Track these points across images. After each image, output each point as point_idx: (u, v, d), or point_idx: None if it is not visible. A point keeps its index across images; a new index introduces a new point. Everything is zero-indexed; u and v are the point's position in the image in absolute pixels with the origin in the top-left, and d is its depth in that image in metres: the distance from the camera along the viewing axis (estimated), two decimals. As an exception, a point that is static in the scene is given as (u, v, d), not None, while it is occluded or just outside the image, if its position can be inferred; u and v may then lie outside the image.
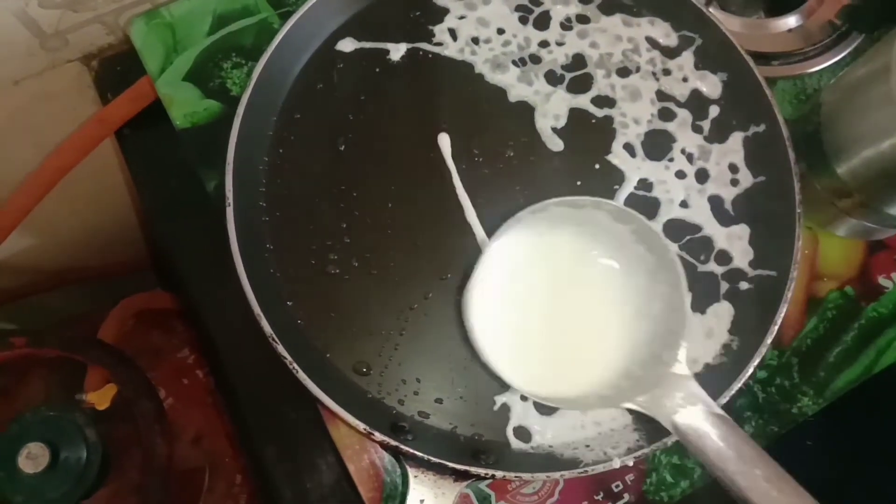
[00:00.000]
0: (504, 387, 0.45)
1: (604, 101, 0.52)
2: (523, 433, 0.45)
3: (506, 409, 0.45)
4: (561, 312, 0.46)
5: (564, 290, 0.47)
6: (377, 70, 0.52)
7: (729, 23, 0.56)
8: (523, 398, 0.45)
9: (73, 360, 0.65)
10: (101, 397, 0.64)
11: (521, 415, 0.45)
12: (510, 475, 0.42)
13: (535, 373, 0.45)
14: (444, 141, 0.50)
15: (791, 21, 0.59)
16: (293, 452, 0.51)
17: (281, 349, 0.43)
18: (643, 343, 0.45)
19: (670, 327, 0.44)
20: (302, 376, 0.43)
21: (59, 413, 0.60)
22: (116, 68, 0.59)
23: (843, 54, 0.58)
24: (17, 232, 0.63)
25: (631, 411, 0.45)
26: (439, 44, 0.52)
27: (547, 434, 0.45)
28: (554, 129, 0.51)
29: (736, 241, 0.49)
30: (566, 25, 0.54)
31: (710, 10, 0.53)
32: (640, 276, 0.45)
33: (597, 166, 0.51)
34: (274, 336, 0.43)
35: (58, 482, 0.58)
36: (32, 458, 0.57)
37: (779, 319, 0.46)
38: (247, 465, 0.70)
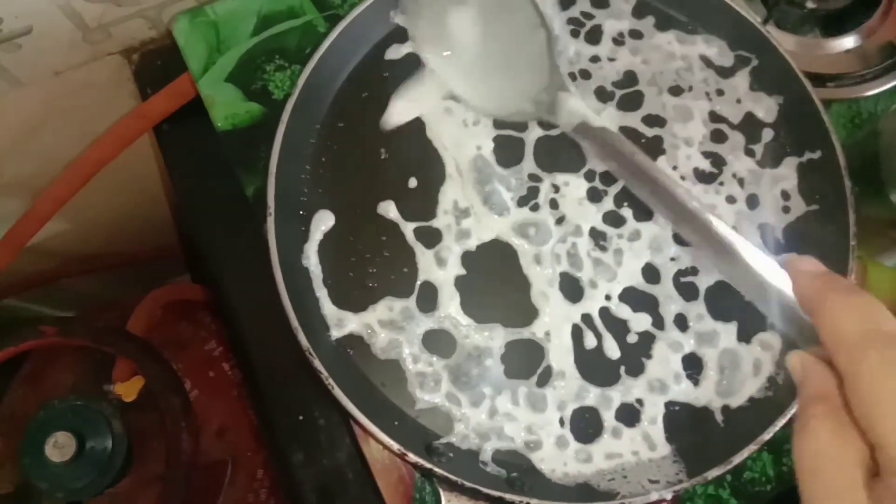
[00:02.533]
0: (542, 410, 0.45)
1: (654, 120, 0.51)
2: (558, 460, 0.44)
3: (542, 433, 0.44)
4: (488, 43, 0.51)
5: (488, 27, 0.51)
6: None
7: (784, 41, 0.55)
8: (561, 423, 0.45)
9: (101, 349, 0.65)
10: (128, 389, 0.64)
11: (557, 441, 0.44)
12: (545, 504, 0.42)
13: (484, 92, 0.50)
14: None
15: (848, 42, 0.57)
16: (320, 459, 0.50)
17: (317, 363, 0.42)
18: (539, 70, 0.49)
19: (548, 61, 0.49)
20: (338, 392, 0.42)
21: (86, 403, 0.60)
22: (157, 62, 0.59)
23: (902, 78, 0.56)
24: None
25: (672, 442, 0.45)
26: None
27: (583, 462, 0.44)
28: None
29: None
30: (618, 41, 0.52)
31: (767, 28, 0.51)
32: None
33: (644, 187, 0.49)
34: (310, 350, 0.43)
35: (83, 472, 0.58)
36: (59, 448, 0.58)
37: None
38: (272, 467, 0.70)
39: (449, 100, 0.50)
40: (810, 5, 0.56)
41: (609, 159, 0.47)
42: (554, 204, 0.48)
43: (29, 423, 0.59)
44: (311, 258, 0.46)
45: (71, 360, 0.70)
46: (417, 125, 0.50)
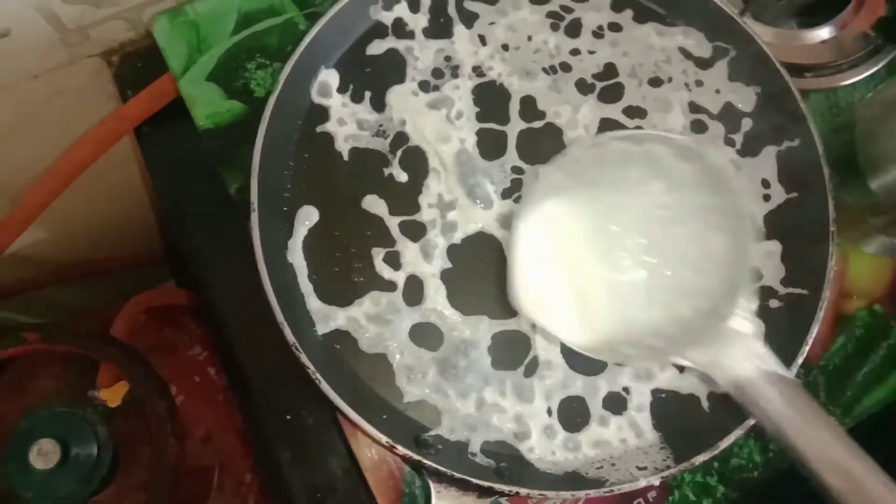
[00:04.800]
0: (529, 400, 0.45)
1: (635, 112, 0.51)
2: (548, 448, 0.44)
3: (530, 423, 0.45)
4: (611, 259, 0.43)
5: (616, 236, 0.43)
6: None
7: (761, 33, 0.55)
8: (548, 412, 0.45)
9: (85, 355, 0.64)
10: (112, 394, 0.64)
11: (545, 431, 0.44)
12: (534, 492, 0.42)
13: (587, 325, 0.42)
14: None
15: (824, 32, 0.58)
16: (309, 458, 0.50)
17: (304, 358, 0.42)
18: (701, 293, 0.41)
19: (731, 278, 0.40)
20: (325, 387, 0.42)
21: (70, 409, 0.59)
22: (137, 64, 0.59)
23: (877, 67, 0.57)
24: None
25: (659, 429, 0.45)
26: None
27: (571, 450, 0.44)
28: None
29: (767, 259, 0.48)
30: (598, 34, 0.53)
31: (745, 19, 0.52)
32: (700, 221, 0.41)
33: (626, 178, 0.50)
34: (297, 345, 0.42)
35: (68, 479, 0.57)
36: (44, 455, 0.57)
37: (810, 340, 0.45)
38: (260, 468, 0.69)
39: (431, 93, 0.50)
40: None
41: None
42: (538, 196, 0.48)
43: (12, 431, 0.58)
44: (296, 254, 0.46)
45: (54, 367, 0.70)
46: (400, 120, 0.50)
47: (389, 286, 0.46)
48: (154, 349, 0.71)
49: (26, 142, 0.61)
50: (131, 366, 0.64)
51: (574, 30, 0.53)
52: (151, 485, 0.62)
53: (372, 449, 0.48)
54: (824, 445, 0.35)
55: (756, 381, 0.37)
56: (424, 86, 0.51)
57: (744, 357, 0.38)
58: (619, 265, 0.43)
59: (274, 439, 0.51)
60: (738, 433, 0.43)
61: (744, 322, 0.39)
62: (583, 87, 0.51)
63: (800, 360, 0.45)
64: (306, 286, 0.46)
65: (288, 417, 0.51)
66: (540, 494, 0.42)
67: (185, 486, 0.64)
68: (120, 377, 0.64)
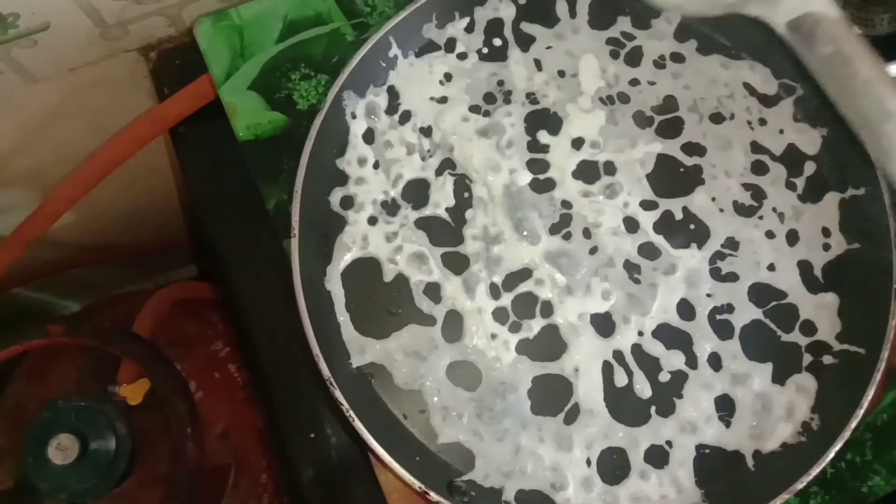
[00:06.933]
0: (568, 449, 0.43)
1: (694, 149, 0.49)
2: (584, 501, 0.43)
3: (568, 473, 0.43)
4: None
5: None
6: (457, 94, 0.49)
7: (827, 66, 0.53)
8: (588, 463, 0.43)
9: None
10: (133, 392, 0.63)
11: (583, 482, 0.43)
12: (571, 548, 0.40)
13: None
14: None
15: (893, 70, 0.55)
16: (331, 479, 0.49)
17: (338, 394, 0.41)
18: None
19: None
20: (358, 426, 0.41)
21: (90, 404, 0.59)
22: (175, 61, 0.57)
23: (950, 111, 0.54)
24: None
25: (701, 485, 0.43)
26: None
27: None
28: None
29: (823, 311, 0.46)
30: (659, 63, 0.50)
31: (813, 55, 0.49)
32: None
33: (680, 217, 0.48)
34: (332, 380, 0.41)
35: (85, 474, 0.58)
36: (62, 450, 0.57)
37: (865, 402, 0.43)
38: (278, 473, 0.69)
39: (482, 118, 0.48)
40: (856, 31, 0.54)
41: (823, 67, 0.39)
42: (587, 233, 0.47)
43: (32, 424, 0.58)
44: (334, 281, 0.45)
45: (76, 357, 0.69)
46: (447, 146, 0.48)
47: (428, 320, 0.45)
48: (176, 343, 0.71)
49: (62, 133, 0.61)
50: (153, 364, 0.64)
51: (635, 59, 0.50)
52: (170, 485, 0.61)
53: (400, 483, 0.46)
54: (864, 81, 0.38)
55: (810, 18, 0.40)
56: (475, 110, 0.49)
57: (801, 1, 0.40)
58: None
59: (297, 456, 0.50)
60: (784, 497, 0.42)
61: None
62: (641, 119, 0.49)
63: (854, 424, 0.43)
64: (343, 315, 0.45)
65: (312, 435, 0.50)
66: (576, 550, 0.41)
67: (201, 484, 0.64)
68: (141, 374, 0.64)
